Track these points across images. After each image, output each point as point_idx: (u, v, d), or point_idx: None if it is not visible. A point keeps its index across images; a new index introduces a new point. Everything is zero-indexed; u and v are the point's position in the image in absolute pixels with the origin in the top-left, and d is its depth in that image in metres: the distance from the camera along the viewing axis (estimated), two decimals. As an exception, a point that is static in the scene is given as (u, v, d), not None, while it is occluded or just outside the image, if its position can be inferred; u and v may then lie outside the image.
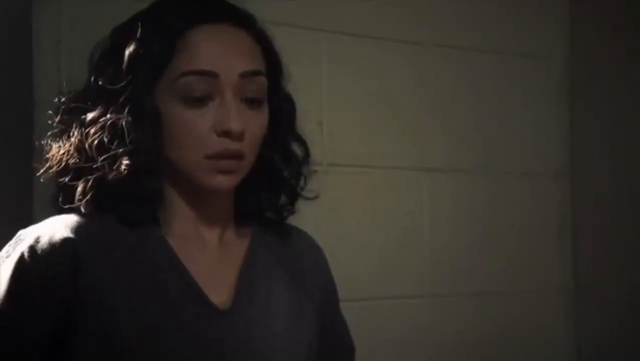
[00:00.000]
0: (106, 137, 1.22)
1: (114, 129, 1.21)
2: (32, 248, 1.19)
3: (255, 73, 1.26)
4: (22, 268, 1.19)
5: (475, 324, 2.24)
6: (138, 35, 1.24)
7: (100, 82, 1.25)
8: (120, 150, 1.20)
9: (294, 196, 1.35)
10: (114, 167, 1.20)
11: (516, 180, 2.31)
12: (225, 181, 1.25)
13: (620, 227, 2.30)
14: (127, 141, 1.20)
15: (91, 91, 1.27)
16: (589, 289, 2.35)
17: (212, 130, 1.23)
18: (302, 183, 1.35)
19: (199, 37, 1.24)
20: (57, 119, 1.28)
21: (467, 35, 2.25)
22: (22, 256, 1.19)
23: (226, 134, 1.23)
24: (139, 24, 1.25)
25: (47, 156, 1.27)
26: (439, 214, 2.20)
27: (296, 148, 1.35)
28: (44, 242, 1.20)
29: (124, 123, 1.21)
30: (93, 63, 1.30)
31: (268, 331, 1.26)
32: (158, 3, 1.28)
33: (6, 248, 1.22)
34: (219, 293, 1.25)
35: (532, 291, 2.33)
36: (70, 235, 1.20)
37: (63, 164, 1.24)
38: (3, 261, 1.20)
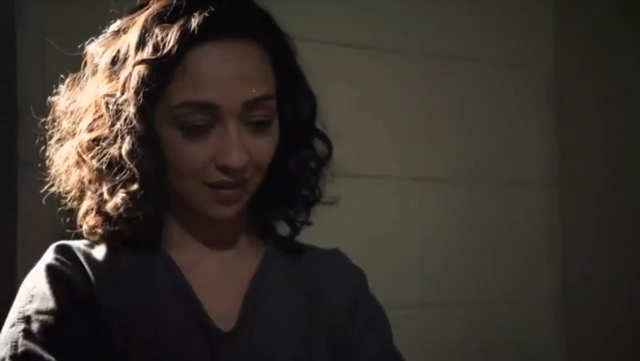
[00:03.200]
0: (104, 165, 1.17)
1: (111, 157, 1.17)
2: (52, 258, 1.19)
3: (261, 99, 1.17)
4: (53, 269, 1.18)
5: (464, 334, 2.22)
6: (132, 55, 1.16)
7: (95, 95, 1.19)
8: (117, 179, 1.16)
9: (309, 205, 1.29)
10: (112, 197, 1.17)
11: (505, 189, 2.30)
12: (225, 211, 1.19)
13: (610, 236, 2.29)
14: (125, 171, 1.16)
15: (85, 98, 1.20)
16: (579, 299, 2.34)
17: (212, 160, 1.16)
18: (317, 192, 1.28)
19: (198, 62, 1.14)
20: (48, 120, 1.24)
21: (454, 44, 2.24)
22: (48, 264, 1.19)
23: (226, 168, 1.16)
24: (134, 39, 1.16)
25: (50, 171, 1.23)
26: (428, 223, 2.19)
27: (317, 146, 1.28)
28: (51, 254, 1.20)
29: (122, 152, 1.15)
30: (87, 63, 1.22)
31: (274, 353, 1.20)
32: (152, 14, 1.17)
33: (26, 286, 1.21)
34: (225, 313, 1.20)
35: (521, 300, 2.32)
36: (66, 245, 1.21)
37: (62, 186, 1.22)
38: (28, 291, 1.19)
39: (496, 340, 2.26)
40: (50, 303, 1.15)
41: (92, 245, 1.21)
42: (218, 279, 1.23)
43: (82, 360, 1.13)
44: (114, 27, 1.21)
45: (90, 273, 1.17)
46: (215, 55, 1.14)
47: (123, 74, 1.16)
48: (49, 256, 1.20)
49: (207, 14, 1.14)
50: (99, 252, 1.20)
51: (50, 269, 1.18)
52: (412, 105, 2.18)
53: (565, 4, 2.36)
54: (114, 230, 1.19)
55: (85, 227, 1.21)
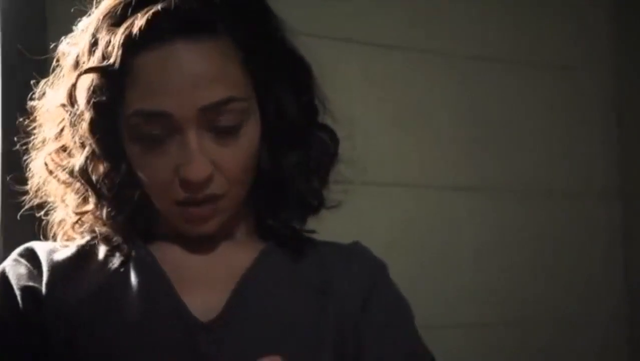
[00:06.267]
0: (64, 184, 1.14)
1: (70, 174, 1.13)
2: (9, 262, 1.17)
3: (222, 103, 1.07)
4: (3, 276, 1.15)
5: (520, 355, 2.16)
6: (85, 60, 1.09)
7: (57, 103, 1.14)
8: (77, 196, 1.14)
9: (309, 211, 1.19)
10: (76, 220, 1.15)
11: (561, 201, 2.24)
12: (200, 230, 1.12)
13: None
14: (80, 188, 1.13)
15: (52, 105, 1.15)
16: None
17: (176, 175, 1.08)
18: (319, 196, 1.18)
19: (146, 68, 1.05)
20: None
21: (506, 47, 2.20)
22: (2, 269, 1.17)
23: (186, 182, 1.07)
24: (87, 43, 1.09)
25: (28, 183, 1.19)
26: (478, 237, 2.13)
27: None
28: (12, 255, 1.17)
29: (75, 168, 1.11)
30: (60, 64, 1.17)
31: (265, 347, 1.09)
32: (103, 13, 1.10)
33: None
34: (210, 305, 1.12)
35: (581, 319, 2.25)
36: (30, 246, 1.17)
37: (38, 197, 1.19)
38: None
39: (555, 362, 2.20)
40: None
41: (67, 244, 1.18)
42: (205, 271, 1.15)
43: None
44: (81, 25, 1.15)
45: (47, 277, 1.13)
46: (163, 59, 1.05)
47: (81, 89, 1.09)
48: (8, 259, 1.16)
49: (150, 16, 1.04)
50: (68, 252, 1.16)
51: (1, 276, 1.14)
52: (461, 111, 2.14)
53: (623, 5, 2.31)
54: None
55: (59, 236, 1.18)
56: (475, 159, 2.13)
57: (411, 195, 2.06)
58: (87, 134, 1.08)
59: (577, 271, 2.24)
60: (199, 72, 1.06)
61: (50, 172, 1.14)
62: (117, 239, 1.14)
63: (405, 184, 2.05)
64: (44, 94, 1.16)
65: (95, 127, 1.08)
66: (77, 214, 1.13)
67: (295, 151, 1.16)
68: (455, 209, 2.11)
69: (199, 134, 1.07)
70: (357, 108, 1.94)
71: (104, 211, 1.12)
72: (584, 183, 2.28)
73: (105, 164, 1.10)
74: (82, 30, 1.12)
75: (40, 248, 1.16)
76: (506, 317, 2.14)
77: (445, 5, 2.11)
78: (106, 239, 1.14)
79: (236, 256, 1.16)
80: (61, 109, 1.12)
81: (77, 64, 1.10)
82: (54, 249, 1.16)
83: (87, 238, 1.16)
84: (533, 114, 2.21)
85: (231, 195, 1.11)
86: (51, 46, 1.16)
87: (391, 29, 2.05)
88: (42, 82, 1.16)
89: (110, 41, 1.06)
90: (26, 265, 1.13)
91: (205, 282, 1.14)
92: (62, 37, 1.15)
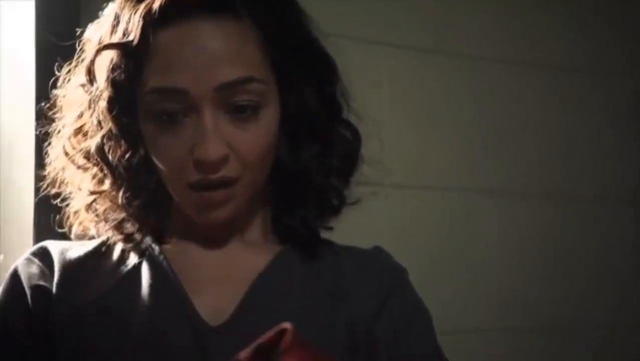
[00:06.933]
0: (81, 168, 1.13)
1: (87, 156, 1.12)
2: (22, 261, 1.17)
3: (238, 83, 1.05)
4: (15, 275, 1.16)
5: None
6: (107, 40, 1.09)
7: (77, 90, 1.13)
8: (93, 178, 1.13)
9: (328, 210, 1.17)
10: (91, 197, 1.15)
11: (588, 206, 2.23)
12: (214, 216, 1.09)
13: None
14: (97, 169, 1.12)
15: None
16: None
17: (191, 155, 1.06)
18: (340, 194, 1.16)
19: (165, 45, 1.04)
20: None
21: (534, 51, 2.19)
22: (14, 269, 1.17)
23: (200, 162, 1.05)
24: (110, 22, 1.10)
25: (47, 169, 1.19)
26: (505, 241, 2.12)
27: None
28: (26, 254, 1.17)
29: (92, 148, 1.10)
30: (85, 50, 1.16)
31: None
32: (121, 1, 1.10)
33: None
34: (221, 308, 1.10)
35: (609, 327, 2.23)
36: (44, 245, 1.17)
37: (57, 185, 1.18)
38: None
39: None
40: None
41: (82, 243, 1.18)
42: (217, 273, 1.13)
43: None
44: (106, 10, 1.14)
45: (58, 277, 1.13)
46: (182, 35, 1.05)
47: (100, 67, 1.09)
48: (21, 258, 1.16)
49: None
50: (82, 252, 1.15)
51: (13, 274, 1.15)
52: (489, 114, 2.12)
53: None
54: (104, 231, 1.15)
55: (75, 227, 1.18)
56: (503, 162, 2.12)
57: (436, 197, 2.05)
58: (105, 113, 1.08)
59: (605, 278, 2.22)
60: (218, 50, 1.05)
61: (67, 153, 1.13)
62: (130, 227, 1.13)
63: (430, 187, 2.04)
64: (68, 80, 1.15)
65: (113, 105, 1.07)
66: (92, 193, 1.12)
67: (315, 144, 1.14)
68: (481, 213, 2.09)
69: (215, 115, 1.05)
70: (368, 109, 1.94)
71: (120, 194, 1.10)
72: (611, 187, 2.26)
73: (122, 146, 1.09)
74: (107, 15, 1.12)
75: (54, 247, 1.15)
76: (535, 323, 2.14)
77: (475, 8, 2.10)
78: (119, 227, 1.13)
79: (250, 258, 1.15)
80: (82, 92, 1.11)
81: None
82: (68, 249, 1.15)
83: (102, 238, 1.15)
84: (561, 118, 2.19)
85: (246, 180, 1.09)
86: (77, 33, 1.16)
87: (402, 30, 2.03)
88: (65, 67, 1.15)
89: (130, 18, 1.05)
90: (38, 264, 1.13)
91: (217, 284, 1.12)
92: (89, 24, 1.15)
